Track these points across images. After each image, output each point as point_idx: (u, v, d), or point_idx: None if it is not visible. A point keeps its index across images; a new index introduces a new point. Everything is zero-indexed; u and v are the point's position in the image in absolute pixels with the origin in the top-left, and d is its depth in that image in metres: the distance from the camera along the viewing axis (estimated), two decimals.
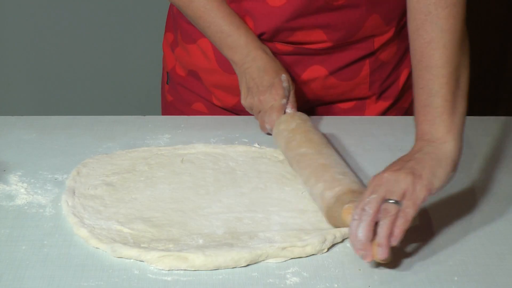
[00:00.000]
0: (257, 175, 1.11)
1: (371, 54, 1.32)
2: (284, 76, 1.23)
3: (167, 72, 1.43)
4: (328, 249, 0.95)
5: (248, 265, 0.92)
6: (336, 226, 0.97)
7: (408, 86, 1.40)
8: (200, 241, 0.95)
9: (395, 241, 0.89)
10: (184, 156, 1.15)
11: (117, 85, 2.59)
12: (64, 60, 2.53)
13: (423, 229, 1.00)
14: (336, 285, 0.89)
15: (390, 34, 1.32)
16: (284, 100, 1.21)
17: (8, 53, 2.51)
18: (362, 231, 0.89)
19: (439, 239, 0.98)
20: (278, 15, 1.25)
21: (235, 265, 0.91)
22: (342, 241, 0.97)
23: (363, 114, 1.37)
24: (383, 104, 1.38)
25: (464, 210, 1.04)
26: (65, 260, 0.92)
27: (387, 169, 0.95)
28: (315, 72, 1.32)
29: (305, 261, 0.93)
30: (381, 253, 0.88)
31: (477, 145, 1.23)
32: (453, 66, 1.02)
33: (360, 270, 0.91)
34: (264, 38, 1.28)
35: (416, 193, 0.91)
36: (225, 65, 1.32)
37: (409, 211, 0.90)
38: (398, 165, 0.95)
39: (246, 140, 1.23)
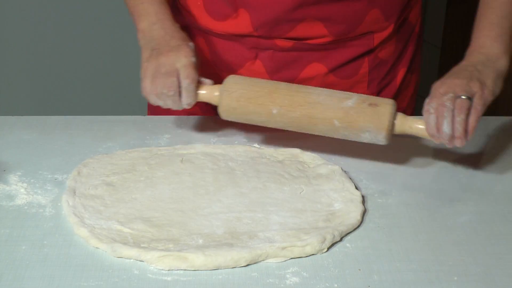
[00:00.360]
0: (256, 175, 1.11)
1: (370, 51, 1.32)
2: (192, 44, 1.18)
3: None
4: (328, 248, 0.95)
5: (248, 265, 0.92)
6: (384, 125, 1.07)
7: (404, 86, 1.40)
8: (200, 241, 0.95)
9: (469, 136, 1.04)
10: (184, 156, 1.15)
11: (117, 85, 2.59)
12: (64, 60, 2.53)
13: (423, 229, 1.00)
14: (336, 285, 0.89)
15: (389, 30, 1.32)
16: (195, 59, 1.15)
17: (8, 53, 2.51)
18: (448, 126, 1.03)
19: (439, 239, 0.98)
20: (278, 5, 1.23)
21: (235, 265, 0.91)
22: (341, 239, 0.97)
23: None
24: None
25: (464, 210, 1.04)
26: (65, 260, 0.92)
27: (455, 76, 1.07)
28: (314, 70, 1.31)
29: (305, 261, 0.93)
30: (461, 143, 1.04)
31: (477, 145, 1.23)
32: None
33: (360, 270, 0.92)
34: (262, 33, 1.27)
35: (484, 95, 1.06)
36: (220, 63, 1.31)
37: (480, 108, 1.04)
38: (464, 74, 1.08)
39: (246, 140, 1.23)
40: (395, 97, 1.39)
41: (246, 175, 1.10)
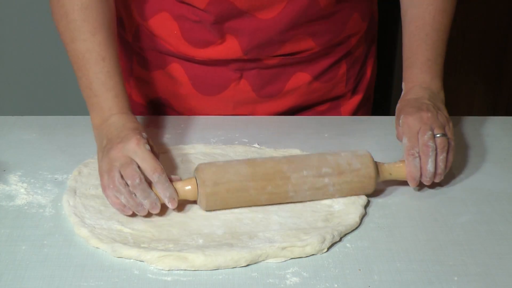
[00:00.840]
0: None
1: (348, 52, 1.33)
2: (145, 134, 1.03)
3: None
4: (328, 249, 0.95)
5: (248, 265, 0.92)
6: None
7: (372, 74, 1.42)
8: (200, 241, 0.95)
9: (447, 170, 1.07)
10: (183, 156, 1.15)
11: None
12: (64, 60, 2.52)
13: (423, 229, 1.00)
14: (336, 285, 0.89)
15: (364, 29, 1.34)
16: (149, 147, 1.00)
17: (8, 53, 2.51)
18: (432, 165, 1.05)
19: (439, 239, 0.98)
20: (269, 28, 1.21)
21: (235, 265, 0.91)
22: (340, 239, 0.97)
23: (339, 112, 1.37)
24: (356, 98, 1.38)
25: (464, 210, 1.04)
26: (65, 260, 0.92)
27: (417, 109, 1.09)
28: (299, 80, 1.30)
29: (305, 261, 0.93)
30: (439, 178, 1.06)
31: (477, 145, 1.23)
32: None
33: (360, 270, 0.91)
34: (251, 56, 1.24)
35: (451, 127, 1.09)
36: (201, 87, 1.28)
37: (453, 144, 1.08)
38: (423, 107, 1.09)
39: (246, 140, 1.23)
40: (368, 88, 1.40)
41: None
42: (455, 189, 1.10)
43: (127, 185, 0.97)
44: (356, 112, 1.38)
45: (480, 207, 1.05)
